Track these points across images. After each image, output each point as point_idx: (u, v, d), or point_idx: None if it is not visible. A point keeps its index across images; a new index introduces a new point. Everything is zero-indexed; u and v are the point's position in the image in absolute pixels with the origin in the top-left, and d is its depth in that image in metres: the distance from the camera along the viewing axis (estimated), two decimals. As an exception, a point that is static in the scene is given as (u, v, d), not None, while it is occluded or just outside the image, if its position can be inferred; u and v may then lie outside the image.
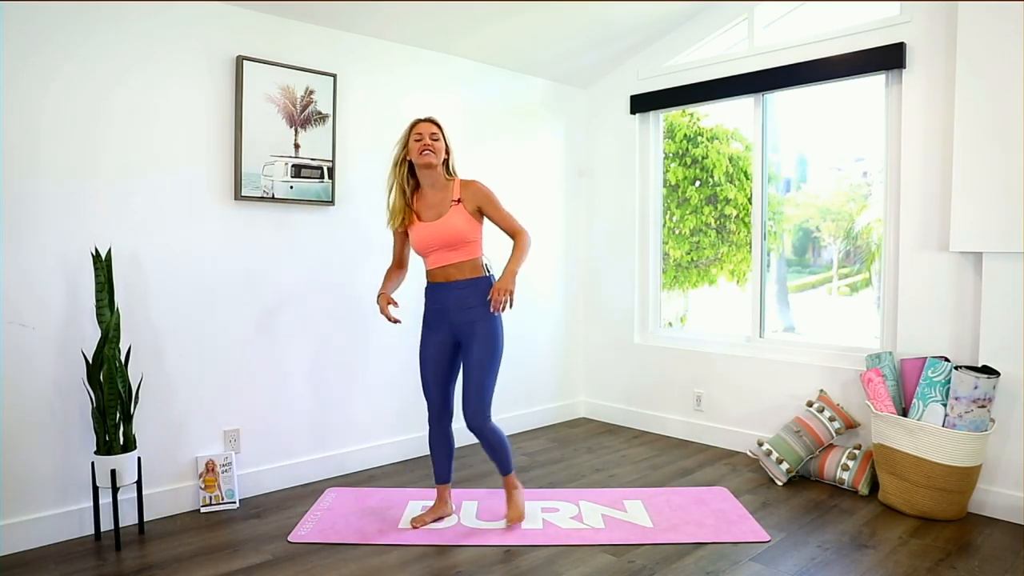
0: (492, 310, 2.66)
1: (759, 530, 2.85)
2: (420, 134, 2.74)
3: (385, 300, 2.79)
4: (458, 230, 2.74)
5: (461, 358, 2.84)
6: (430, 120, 2.79)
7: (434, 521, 2.90)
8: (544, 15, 3.72)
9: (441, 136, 2.78)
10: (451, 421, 2.90)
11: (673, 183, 4.57)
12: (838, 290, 4.08)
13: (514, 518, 2.88)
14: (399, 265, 2.95)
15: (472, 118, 4.09)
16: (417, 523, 2.84)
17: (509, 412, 4.33)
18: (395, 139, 3.81)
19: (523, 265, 2.76)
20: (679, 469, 3.69)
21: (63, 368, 2.74)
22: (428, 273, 2.84)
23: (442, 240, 2.74)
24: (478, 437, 2.82)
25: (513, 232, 2.80)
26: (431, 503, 3.02)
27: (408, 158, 2.78)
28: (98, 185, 2.80)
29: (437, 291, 2.81)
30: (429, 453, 2.94)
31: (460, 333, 2.79)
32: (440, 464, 2.91)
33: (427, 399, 2.88)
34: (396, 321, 2.76)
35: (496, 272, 2.84)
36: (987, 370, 2.94)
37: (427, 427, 2.93)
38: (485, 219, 2.82)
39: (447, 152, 2.81)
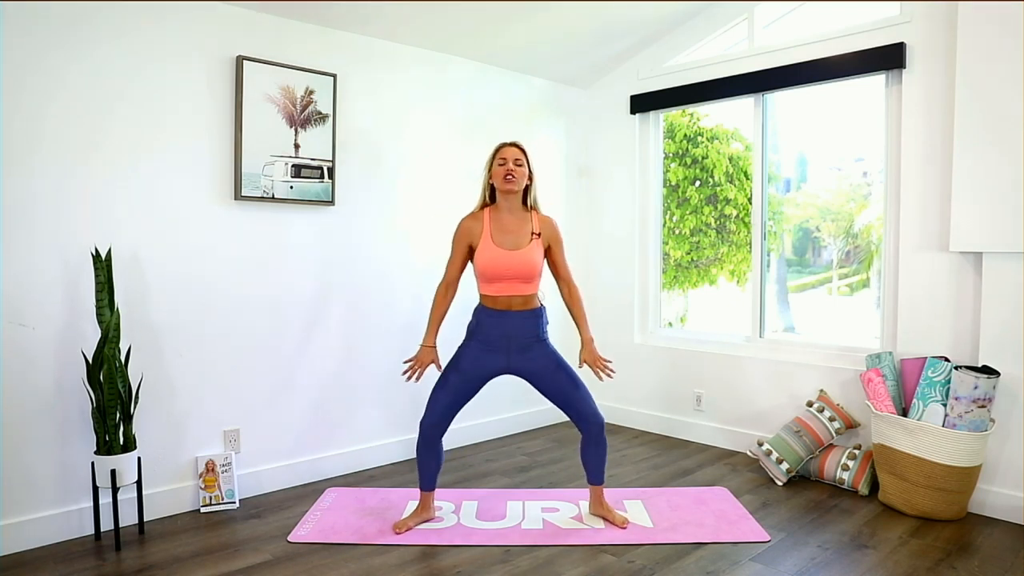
0: (605, 377, 2.86)
1: (759, 530, 2.85)
2: (504, 159, 2.77)
3: (431, 357, 2.80)
4: (537, 266, 2.78)
5: (540, 383, 2.83)
6: (515, 144, 2.82)
7: (417, 524, 2.88)
8: (544, 15, 3.72)
9: (525, 162, 2.80)
10: (443, 435, 2.85)
11: (673, 183, 4.57)
12: (838, 290, 4.08)
13: (624, 519, 2.91)
14: (452, 285, 2.86)
15: (472, 118, 4.09)
16: (400, 527, 2.81)
17: (509, 412, 4.34)
18: (395, 139, 3.82)
19: None
20: (679, 469, 3.69)
21: (63, 368, 2.74)
22: (488, 298, 2.80)
23: (519, 272, 2.74)
24: (595, 439, 2.85)
25: (569, 282, 2.94)
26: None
27: (491, 181, 2.81)
28: (98, 185, 2.80)
29: (501, 318, 2.77)
30: (416, 460, 2.87)
31: (525, 362, 2.79)
32: (428, 473, 2.86)
33: (431, 409, 2.80)
34: (410, 378, 2.78)
35: (547, 303, 2.91)
36: (987, 370, 2.94)
37: (420, 432, 2.85)
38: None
39: (530, 179, 2.83)
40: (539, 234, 2.80)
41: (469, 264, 2.88)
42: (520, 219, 2.81)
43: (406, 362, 2.84)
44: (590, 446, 2.89)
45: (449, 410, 2.81)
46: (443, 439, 2.87)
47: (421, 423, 2.82)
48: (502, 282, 2.75)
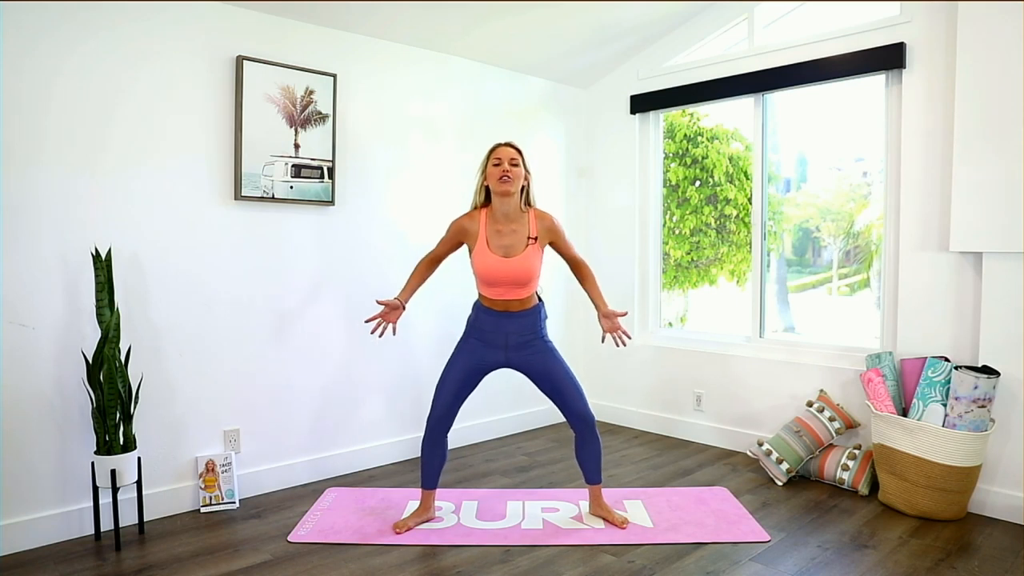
0: (619, 345, 2.84)
1: (759, 530, 2.85)
2: (499, 159, 2.70)
3: (397, 312, 2.80)
4: (533, 272, 2.74)
5: (536, 378, 2.84)
6: (510, 144, 2.76)
7: (417, 524, 2.88)
8: (544, 15, 3.72)
9: (520, 162, 2.73)
10: (448, 431, 2.88)
11: (673, 183, 4.57)
12: (838, 290, 4.08)
13: (624, 519, 2.91)
14: (435, 261, 2.89)
15: (472, 118, 4.09)
16: (400, 527, 2.82)
17: (510, 412, 4.34)
18: (395, 139, 3.82)
19: None
20: (679, 469, 3.69)
21: (63, 368, 2.74)
22: (485, 298, 2.82)
23: (514, 279, 2.72)
24: (586, 438, 2.87)
25: (579, 262, 2.90)
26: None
27: (486, 184, 2.76)
28: (98, 185, 2.80)
29: (498, 318, 2.78)
30: (420, 458, 2.90)
31: (523, 358, 2.81)
32: (431, 471, 2.87)
33: (436, 404, 2.83)
34: (381, 334, 2.80)
35: (545, 297, 2.90)
36: (987, 370, 2.94)
37: (423, 430, 2.90)
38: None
39: (526, 179, 2.77)
40: (535, 238, 2.74)
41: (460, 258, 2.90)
42: (517, 222, 2.75)
43: (368, 320, 2.83)
44: (582, 445, 2.91)
45: (452, 404, 2.83)
46: (447, 443, 2.89)
47: (428, 419, 2.85)
48: (499, 287, 2.75)
